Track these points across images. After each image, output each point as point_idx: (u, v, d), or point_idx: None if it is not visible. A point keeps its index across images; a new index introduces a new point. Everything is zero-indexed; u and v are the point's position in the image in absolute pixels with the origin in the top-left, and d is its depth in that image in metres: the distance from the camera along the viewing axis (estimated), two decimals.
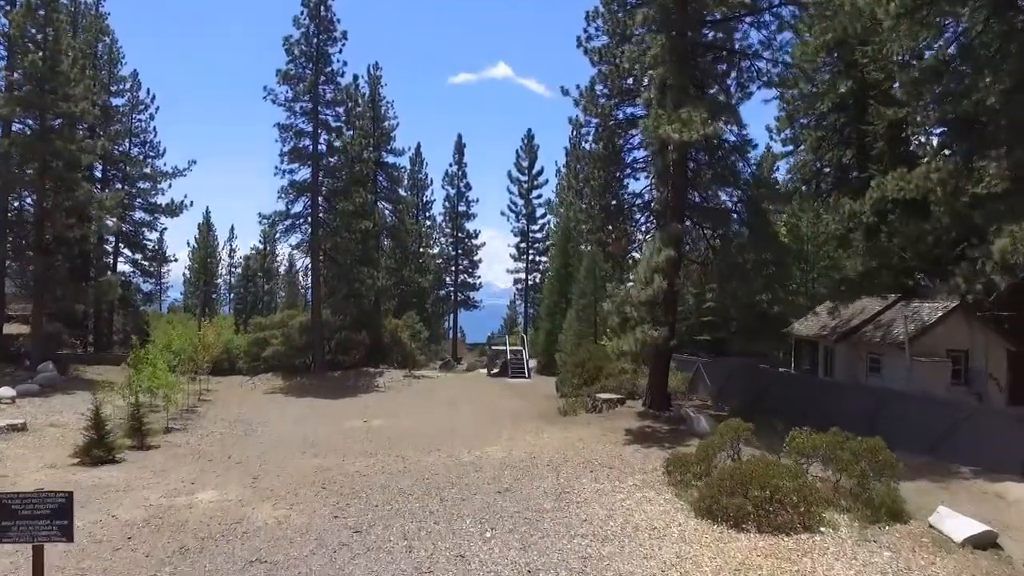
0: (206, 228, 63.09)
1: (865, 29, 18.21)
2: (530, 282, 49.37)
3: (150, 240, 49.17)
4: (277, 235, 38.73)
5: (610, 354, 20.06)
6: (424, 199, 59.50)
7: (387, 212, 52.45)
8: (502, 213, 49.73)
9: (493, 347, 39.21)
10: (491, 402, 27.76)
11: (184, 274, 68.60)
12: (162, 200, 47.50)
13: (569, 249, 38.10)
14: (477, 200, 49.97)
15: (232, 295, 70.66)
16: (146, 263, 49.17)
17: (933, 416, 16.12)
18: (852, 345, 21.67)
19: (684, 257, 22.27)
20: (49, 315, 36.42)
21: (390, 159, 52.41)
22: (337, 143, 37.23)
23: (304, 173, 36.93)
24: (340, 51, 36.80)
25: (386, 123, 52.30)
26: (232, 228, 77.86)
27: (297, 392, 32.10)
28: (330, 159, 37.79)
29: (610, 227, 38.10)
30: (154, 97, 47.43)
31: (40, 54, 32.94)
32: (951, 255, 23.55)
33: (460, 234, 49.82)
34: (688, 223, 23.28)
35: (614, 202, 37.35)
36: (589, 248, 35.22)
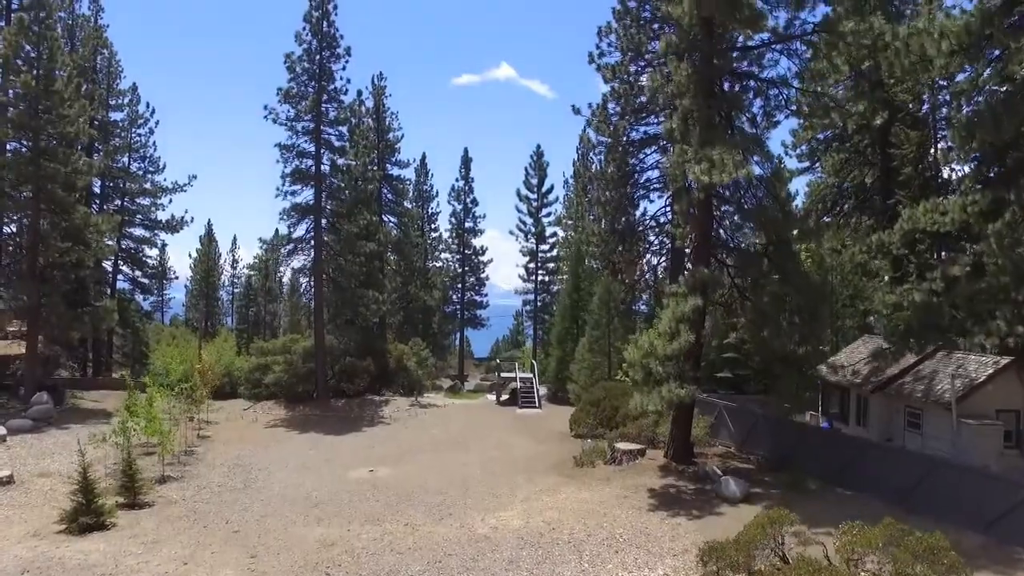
0: (208, 241, 61.97)
1: (912, 65, 16.94)
2: (539, 303, 48.05)
3: (150, 257, 48.25)
4: (279, 259, 37.43)
5: (632, 410, 18.82)
6: (429, 211, 58.35)
7: (392, 225, 51.36)
8: (511, 232, 48.56)
9: (502, 374, 37.93)
10: (502, 443, 26.49)
11: (186, 285, 67.64)
12: (162, 216, 46.62)
13: (580, 273, 36.83)
14: (484, 216, 48.87)
15: (234, 306, 69.64)
16: (146, 280, 48.12)
17: (989, 491, 14.82)
18: (888, 397, 20.36)
19: (708, 299, 20.92)
20: (46, 337, 35.32)
21: (395, 171, 51.42)
22: (341, 161, 35.97)
23: (307, 194, 35.71)
24: (344, 67, 35.57)
25: (390, 135, 51.25)
26: (235, 238, 76.76)
27: (300, 426, 30.88)
28: (333, 179, 36.56)
29: (622, 248, 36.79)
30: (154, 111, 46.46)
31: (34, 73, 31.79)
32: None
33: (467, 251, 48.53)
34: (712, 260, 21.93)
35: (624, 219, 36.07)
36: (602, 275, 33.95)
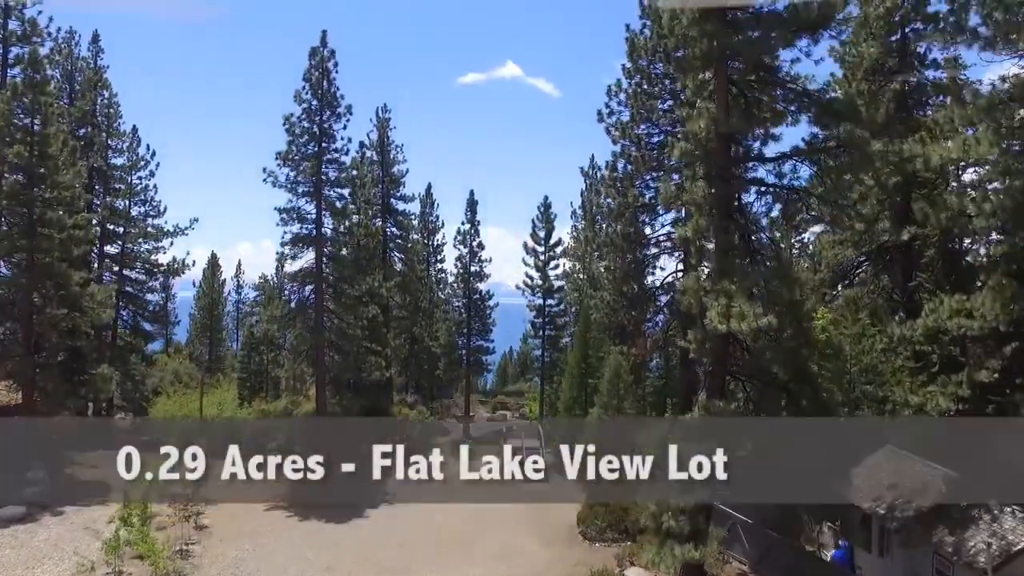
0: (211, 272, 61.26)
1: (949, 220, 15.87)
2: (546, 359, 47.24)
3: (151, 301, 47.58)
4: (280, 327, 36.73)
5: (644, 564, 17.97)
6: (435, 242, 57.51)
7: (397, 261, 50.57)
8: (517, 287, 47.62)
9: (508, 443, 37.09)
10: (507, 546, 25.69)
11: (190, 313, 67.00)
12: (163, 259, 46.02)
13: (588, 340, 35.91)
14: (490, 260, 47.90)
15: (239, 333, 68.92)
16: (147, 325, 47.48)
17: None
18: (916, 537, 19.32)
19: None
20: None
21: (400, 206, 50.59)
22: (343, 226, 35.05)
23: (308, 256, 34.81)
24: (344, 127, 34.59)
25: (395, 168, 50.35)
26: (239, 263, 76.06)
27: (301, 508, 30.11)
28: (339, 235, 35.72)
29: (633, 313, 35.75)
30: (154, 153, 45.60)
31: (28, 139, 30.89)
32: None
33: (473, 296, 47.75)
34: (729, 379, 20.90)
35: (636, 288, 35.04)
36: (610, 348, 33.00)
